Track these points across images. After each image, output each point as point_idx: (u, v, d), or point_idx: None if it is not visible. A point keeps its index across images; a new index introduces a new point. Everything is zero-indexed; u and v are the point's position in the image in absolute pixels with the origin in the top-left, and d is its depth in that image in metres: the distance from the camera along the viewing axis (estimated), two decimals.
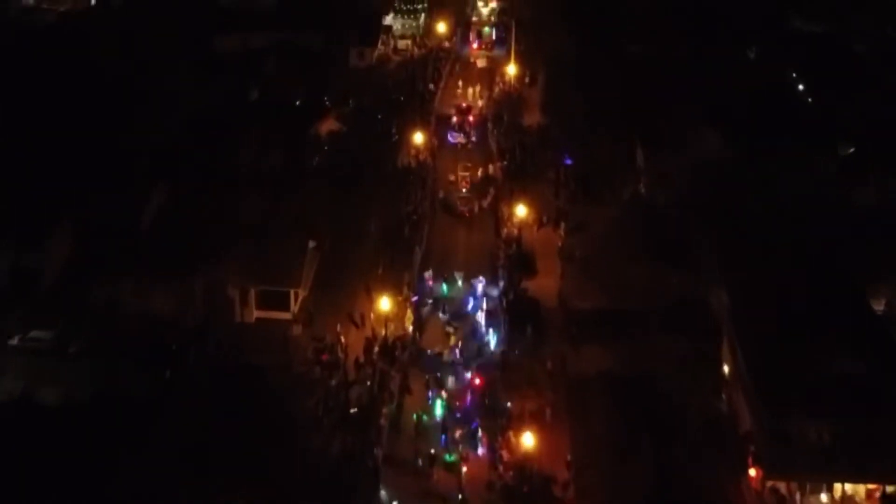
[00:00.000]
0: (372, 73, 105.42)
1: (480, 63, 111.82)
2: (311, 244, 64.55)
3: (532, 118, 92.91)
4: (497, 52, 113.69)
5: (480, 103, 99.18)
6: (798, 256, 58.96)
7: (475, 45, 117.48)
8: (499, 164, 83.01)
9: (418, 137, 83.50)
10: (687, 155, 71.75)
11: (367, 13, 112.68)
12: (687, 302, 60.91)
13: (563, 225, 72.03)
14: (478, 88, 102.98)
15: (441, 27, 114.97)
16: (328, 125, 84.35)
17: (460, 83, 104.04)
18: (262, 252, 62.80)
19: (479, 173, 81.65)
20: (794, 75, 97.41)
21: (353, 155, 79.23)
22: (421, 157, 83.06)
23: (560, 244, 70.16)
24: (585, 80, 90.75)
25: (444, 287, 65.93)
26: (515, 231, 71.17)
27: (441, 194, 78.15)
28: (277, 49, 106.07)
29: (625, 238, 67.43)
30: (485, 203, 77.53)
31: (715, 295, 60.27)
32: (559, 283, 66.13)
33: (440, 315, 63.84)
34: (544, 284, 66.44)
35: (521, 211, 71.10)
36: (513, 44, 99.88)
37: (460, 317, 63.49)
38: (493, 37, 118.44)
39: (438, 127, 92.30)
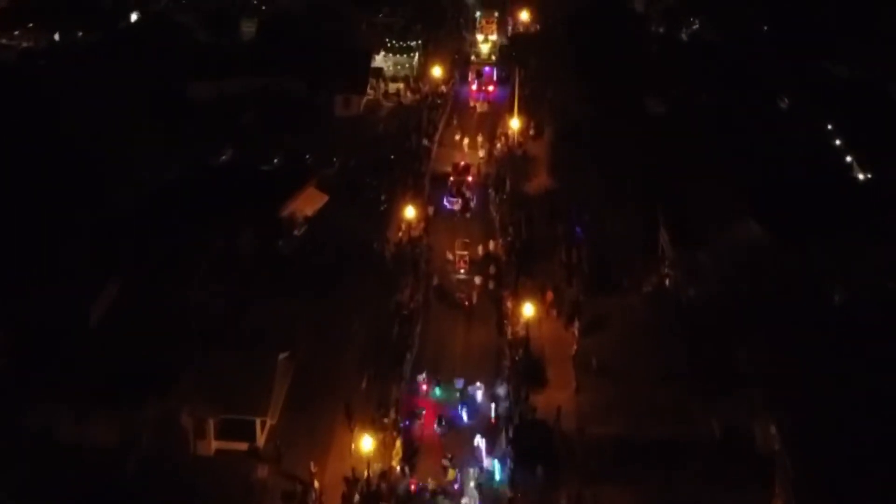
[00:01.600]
0: (360, 123, 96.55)
1: (481, 108, 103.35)
2: (283, 355, 55.28)
3: (538, 178, 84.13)
4: (499, 92, 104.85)
5: (481, 154, 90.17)
6: (868, 378, 49.74)
7: (475, 87, 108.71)
8: (501, 240, 73.61)
9: (410, 212, 74.18)
10: (720, 242, 62.49)
11: (355, 54, 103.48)
12: (729, 433, 51.77)
13: (577, 322, 62.76)
14: (478, 139, 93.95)
15: (437, 71, 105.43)
16: (308, 195, 74.96)
17: (458, 134, 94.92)
18: (225, 369, 53.69)
19: (480, 251, 72.41)
20: (830, 127, 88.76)
21: (336, 236, 69.83)
22: (413, 232, 73.76)
23: (574, 346, 60.96)
24: (598, 137, 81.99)
25: (438, 390, 57.45)
26: (522, 332, 61.89)
27: (436, 280, 68.89)
28: (256, 97, 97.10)
29: (650, 343, 58.57)
30: (488, 283, 68.33)
31: (762, 426, 51.11)
32: (574, 399, 56.87)
33: (436, 428, 54.55)
34: (556, 399, 57.30)
35: (528, 310, 61.83)
36: (517, 92, 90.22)
37: (455, 428, 55.23)
38: (495, 77, 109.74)
39: (433, 190, 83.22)
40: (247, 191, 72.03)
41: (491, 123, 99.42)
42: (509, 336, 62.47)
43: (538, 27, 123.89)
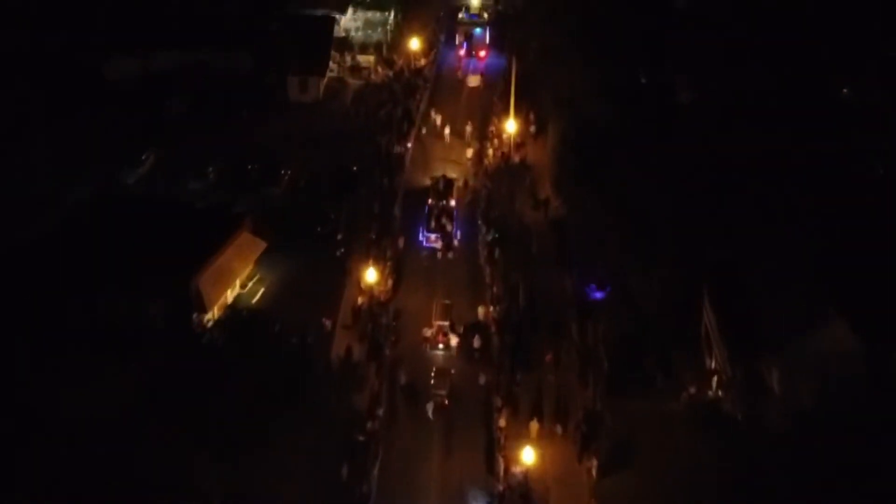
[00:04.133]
0: (318, 113, 79.05)
1: (472, 82, 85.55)
2: None
3: (540, 193, 67.31)
4: (493, 59, 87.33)
5: (469, 154, 73.01)
6: None
7: (463, 53, 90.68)
8: (492, 307, 57.20)
9: (371, 275, 57.45)
10: (792, 347, 46.20)
11: (315, 20, 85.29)
12: None
13: (593, 452, 46.87)
14: (467, 128, 76.55)
15: (414, 43, 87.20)
16: (240, 245, 58.22)
17: (438, 121, 77.44)
18: None
19: (462, 327, 55.98)
20: None
21: (268, 323, 53.48)
22: (379, 297, 57.30)
23: (591, 484, 45.21)
24: (615, 152, 64.86)
25: None
26: (519, 475, 45.95)
27: (403, 377, 52.64)
28: (189, 76, 79.47)
29: (700, 486, 42.83)
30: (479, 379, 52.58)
31: None
32: None
33: None
34: None
35: (528, 456, 45.79)
36: (512, 85, 72.57)
37: None
38: (487, 39, 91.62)
39: (407, 213, 66.35)
40: (160, 239, 55.59)
41: (482, 105, 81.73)
42: (502, 479, 46.29)
43: None
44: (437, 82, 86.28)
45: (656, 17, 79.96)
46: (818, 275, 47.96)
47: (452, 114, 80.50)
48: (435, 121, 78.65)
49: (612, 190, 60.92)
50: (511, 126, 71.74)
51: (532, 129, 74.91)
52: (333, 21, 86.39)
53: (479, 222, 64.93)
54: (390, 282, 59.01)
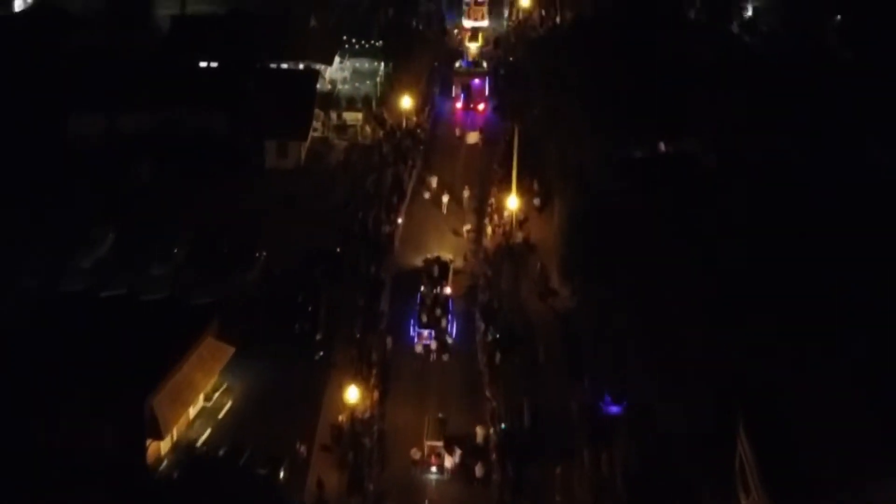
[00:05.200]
0: (299, 182, 72.28)
1: (471, 139, 78.94)
2: None
3: (547, 279, 60.48)
4: (491, 113, 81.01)
5: (467, 228, 66.23)
6: None
7: (460, 104, 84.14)
8: (492, 427, 50.22)
9: (353, 394, 50.46)
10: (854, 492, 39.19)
11: (298, 75, 78.87)
12: None
13: None
14: (465, 194, 69.79)
15: (406, 100, 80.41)
16: (203, 353, 51.30)
17: (434, 185, 71.10)
18: None
19: (458, 449, 49.00)
20: None
21: (238, 458, 46.62)
22: (362, 414, 50.33)
23: None
24: (632, 227, 57.81)
25: None
26: None
27: None
28: (160, 136, 73.00)
29: None
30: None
31: None
32: None
33: None
34: None
35: None
36: (515, 159, 65.78)
37: None
38: (487, 90, 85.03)
39: (396, 301, 59.45)
40: (111, 348, 49.02)
41: (482, 167, 75.09)
42: None
43: (545, 24, 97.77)
44: (432, 141, 79.57)
45: (675, 71, 73.25)
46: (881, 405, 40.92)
47: (450, 177, 74.40)
48: (430, 185, 72.13)
49: (629, 285, 53.77)
50: (513, 202, 64.64)
51: (536, 201, 67.97)
52: (317, 76, 79.84)
53: (478, 318, 57.77)
54: (376, 394, 51.92)
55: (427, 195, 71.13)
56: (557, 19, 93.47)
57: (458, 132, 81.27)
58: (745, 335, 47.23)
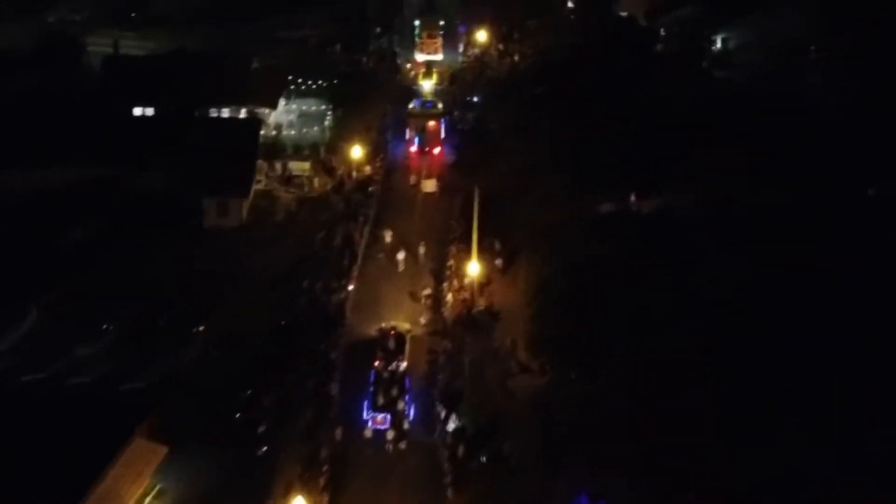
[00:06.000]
0: (241, 243, 66.82)
1: (428, 188, 73.72)
2: None
3: (515, 354, 55.38)
4: (448, 153, 76.42)
5: (426, 294, 61.21)
6: None
7: (414, 148, 79.29)
8: None
9: None
10: None
11: (240, 124, 73.57)
12: None
13: None
14: (420, 250, 64.88)
15: (357, 150, 75.31)
16: (132, 456, 45.80)
17: (388, 239, 66.10)
18: None
19: None
20: None
21: None
22: None
23: None
24: (612, 300, 53.28)
25: None
26: None
27: None
28: (88, 195, 67.25)
29: None
30: None
31: None
32: None
33: None
34: None
35: None
36: (475, 222, 60.89)
37: None
38: (443, 132, 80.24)
39: (347, 387, 54.15)
40: (25, 456, 43.52)
41: (440, 218, 70.17)
42: None
43: (504, 60, 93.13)
44: (385, 192, 74.45)
45: (650, 116, 69.02)
46: None
47: (405, 230, 69.02)
48: (384, 242, 67.03)
49: (611, 372, 48.98)
50: (474, 268, 59.66)
51: (498, 262, 63.10)
52: (260, 125, 74.56)
53: (437, 403, 52.66)
54: (325, 499, 46.69)
55: (381, 254, 65.71)
56: (516, 57, 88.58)
57: (413, 179, 76.16)
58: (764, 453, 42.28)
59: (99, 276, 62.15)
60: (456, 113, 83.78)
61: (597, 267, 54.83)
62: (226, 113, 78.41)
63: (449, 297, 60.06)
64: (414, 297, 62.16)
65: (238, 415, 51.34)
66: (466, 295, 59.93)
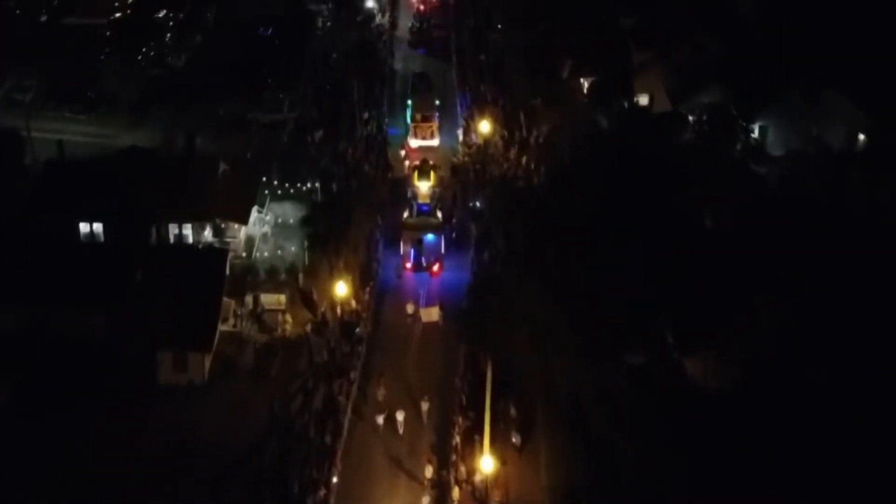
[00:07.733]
0: (201, 404, 56.06)
1: (428, 317, 63.26)
2: None
3: None
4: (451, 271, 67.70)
5: (429, 477, 50.87)
6: None
7: (409, 265, 68.51)
8: None
9: None
10: None
11: (202, 255, 63.06)
12: None
13: None
14: (423, 406, 55.39)
15: (341, 287, 64.42)
16: None
17: (381, 397, 56.08)
18: None
19: None
20: None
21: None
22: None
23: None
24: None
25: None
26: None
27: None
28: (16, 345, 56.89)
29: None
30: None
31: None
32: None
33: None
34: None
35: None
36: (487, 404, 50.03)
37: None
38: (442, 248, 69.38)
39: None
40: None
41: (445, 359, 59.56)
42: None
43: (510, 151, 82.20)
44: (376, 330, 63.80)
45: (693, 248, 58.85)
46: None
47: (402, 378, 58.46)
48: (377, 397, 56.30)
49: None
50: (488, 464, 48.78)
51: (515, 438, 52.36)
52: (226, 256, 63.65)
53: None
54: None
55: (379, 419, 55.02)
56: (523, 159, 77.83)
57: (410, 308, 65.41)
58: None
59: (24, 447, 51.51)
60: (454, 220, 73.05)
61: (631, 458, 44.26)
62: (188, 229, 67.14)
63: (455, 492, 48.95)
64: (414, 478, 51.31)
65: None
66: (477, 487, 48.89)
